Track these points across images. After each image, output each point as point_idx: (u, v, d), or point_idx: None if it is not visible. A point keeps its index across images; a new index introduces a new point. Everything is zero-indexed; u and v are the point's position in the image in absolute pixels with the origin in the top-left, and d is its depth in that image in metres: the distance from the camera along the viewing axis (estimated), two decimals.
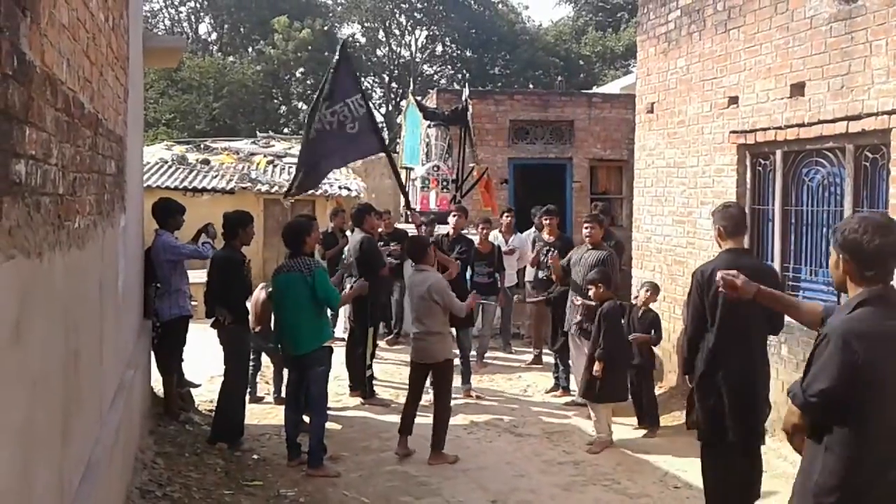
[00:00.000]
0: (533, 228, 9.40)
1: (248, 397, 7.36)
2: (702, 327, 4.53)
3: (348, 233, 8.70)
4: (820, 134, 6.05)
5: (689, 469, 5.94)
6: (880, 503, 2.78)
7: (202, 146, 20.59)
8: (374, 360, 8.14)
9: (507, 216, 10.08)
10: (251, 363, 7.44)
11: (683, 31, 7.90)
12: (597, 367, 6.39)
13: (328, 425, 6.23)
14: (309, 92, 38.57)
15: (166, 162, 17.85)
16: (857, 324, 2.77)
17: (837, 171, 6.07)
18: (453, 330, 8.69)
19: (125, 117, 4.97)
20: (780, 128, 6.45)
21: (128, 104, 5.12)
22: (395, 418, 6.68)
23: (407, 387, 6.44)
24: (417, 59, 40.87)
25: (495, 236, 9.67)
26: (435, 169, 12.17)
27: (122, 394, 4.63)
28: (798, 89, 6.24)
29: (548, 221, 8.50)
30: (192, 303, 8.20)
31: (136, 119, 6.01)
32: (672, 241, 7.95)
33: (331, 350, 6.08)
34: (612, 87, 18.63)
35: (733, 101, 7.07)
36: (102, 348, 3.96)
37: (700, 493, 5.48)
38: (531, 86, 33.43)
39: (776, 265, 6.64)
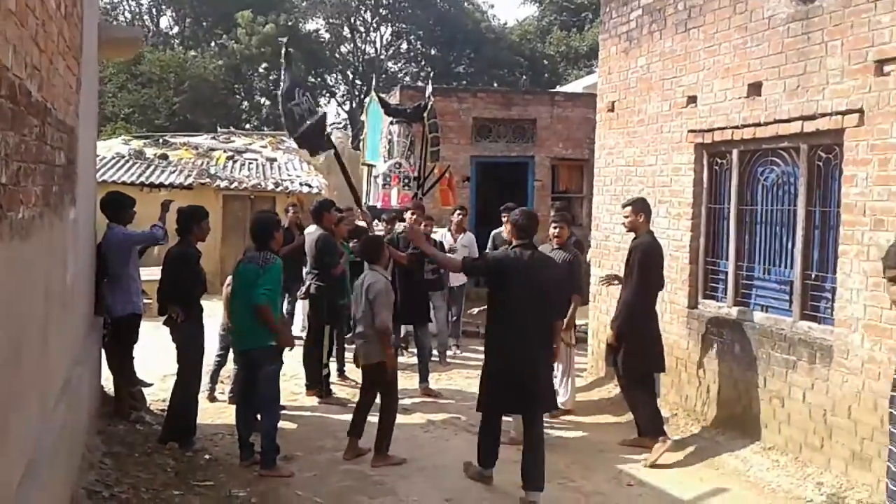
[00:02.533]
0: (503, 227, 9.34)
1: (208, 394, 7.26)
2: None
3: (309, 228, 8.59)
4: (775, 133, 6.11)
5: (642, 467, 5.98)
6: (501, 349, 5.39)
7: (161, 141, 20.25)
8: (332, 359, 8.07)
9: (459, 214, 10.02)
10: (217, 359, 7.35)
11: (644, 31, 7.94)
12: None
13: (283, 424, 6.16)
14: (272, 88, 38.25)
15: (123, 156, 17.50)
16: (501, 254, 5.71)
17: (792, 171, 6.14)
18: (411, 327, 8.71)
19: (77, 108, 4.83)
20: (736, 127, 6.50)
21: (80, 95, 4.98)
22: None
23: None
24: (382, 56, 40.72)
25: (443, 234, 9.65)
26: (397, 166, 12.09)
27: (68, 391, 4.51)
28: (755, 89, 6.30)
29: (506, 219, 8.49)
30: (146, 300, 8.06)
31: (89, 111, 5.86)
32: (630, 240, 7.98)
33: (280, 348, 5.94)
34: (576, 87, 18.74)
35: (692, 100, 7.12)
36: (47, 344, 3.84)
37: (653, 490, 5.55)
38: (496, 84, 33.50)
39: (730, 263, 6.71)
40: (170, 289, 6.16)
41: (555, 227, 7.25)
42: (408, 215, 8.40)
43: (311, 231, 8.19)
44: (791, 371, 5.84)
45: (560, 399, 7.33)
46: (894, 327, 4.94)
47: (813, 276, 5.91)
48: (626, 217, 6.59)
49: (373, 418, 6.10)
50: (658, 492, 5.52)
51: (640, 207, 6.58)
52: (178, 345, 6.17)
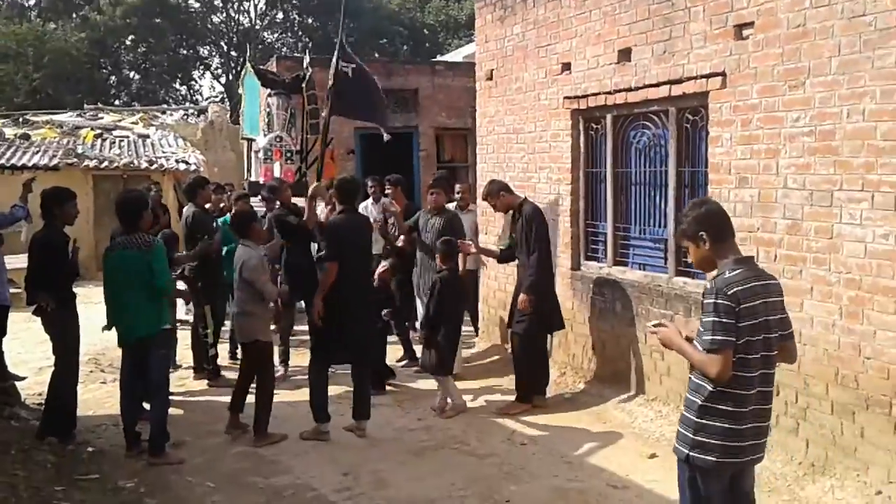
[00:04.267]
0: (370, 200, 9.22)
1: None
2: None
3: (186, 208, 8.28)
4: (645, 98, 6.31)
5: (535, 426, 6.17)
6: (334, 307, 5.84)
7: (21, 119, 19.02)
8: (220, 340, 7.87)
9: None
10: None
11: None
12: (417, 334, 6.59)
13: (171, 410, 5.99)
14: (140, 61, 36.54)
15: None
16: (333, 221, 6.26)
17: (662, 133, 6.38)
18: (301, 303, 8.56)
19: None
20: (609, 93, 6.68)
21: None
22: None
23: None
24: (257, 27, 39.52)
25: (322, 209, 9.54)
26: (277, 140, 11.81)
27: None
28: (625, 55, 6.48)
29: (390, 190, 8.50)
30: (14, 289, 7.60)
31: None
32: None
33: (169, 333, 5.78)
34: (456, 56, 18.79)
35: (566, 67, 7.26)
36: None
37: (544, 448, 5.72)
38: (376, 55, 33.14)
39: (609, 225, 6.93)
40: (37, 277, 5.82)
41: (431, 194, 7.52)
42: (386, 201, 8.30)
43: (186, 209, 7.95)
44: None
45: None
46: None
47: None
48: (494, 205, 6.90)
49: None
50: (550, 448, 5.70)
51: (496, 188, 6.83)
52: (52, 335, 5.85)
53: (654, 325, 3.38)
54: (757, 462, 3.27)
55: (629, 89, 6.46)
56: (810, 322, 4.91)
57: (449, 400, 6.58)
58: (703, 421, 3.14)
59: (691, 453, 3.17)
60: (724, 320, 3.03)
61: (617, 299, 6.69)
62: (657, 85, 6.16)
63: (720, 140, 5.61)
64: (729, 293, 3.05)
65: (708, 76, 5.67)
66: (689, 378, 3.24)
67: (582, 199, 7.29)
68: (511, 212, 6.85)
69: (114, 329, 5.70)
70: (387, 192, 8.65)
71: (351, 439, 5.91)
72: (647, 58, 6.24)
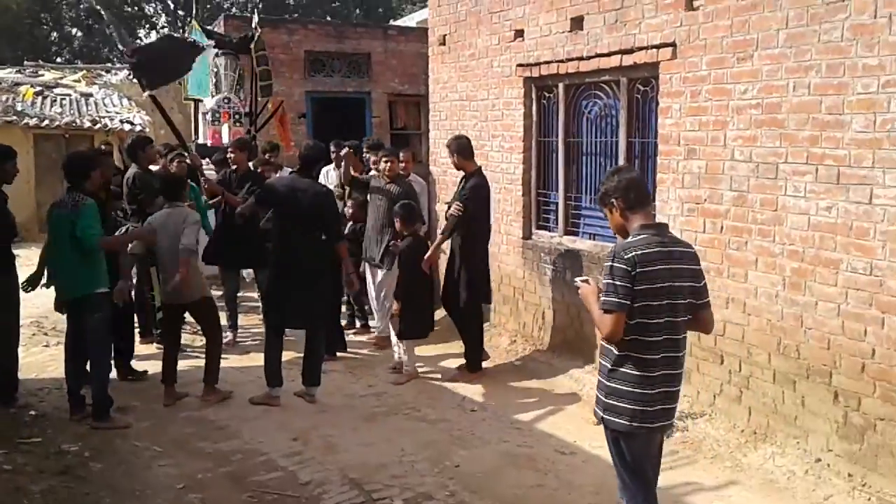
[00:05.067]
0: (332, 165, 9.12)
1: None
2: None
3: (129, 169, 8.06)
4: (597, 67, 6.33)
5: (485, 393, 6.24)
6: (279, 271, 5.96)
7: None
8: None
9: (270, 155, 9.45)
10: None
11: None
12: (395, 305, 6.49)
13: (116, 375, 5.89)
14: (83, 17, 35.31)
15: None
16: (273, 182, 6.81)
17: (613, 103, 6.42)
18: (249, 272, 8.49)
19: None
20: (561, 61, 6.68)
21: None
22: (191, 363, 6.42)
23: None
24: None
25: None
26: (225, 101, 11.55)
27: None
28: (577, 23, 6.47)
29: (334, 154, 8.42)
30: None
31: None
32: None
33: (109, 295, 5.65)
34: (410, 21, 18.58)
35: (519, 34, 7.23)
36: None
37: (494, 414, 5.80)
38: (328, 17, 32.56)
39: (560, 195, 6.98)
40: None
41: (386, 162, 7.17)
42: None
43: (129, 171, 7.74)
44: None
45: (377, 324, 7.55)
46: (707, 249, 5.33)
47: None
48: (452, 162, 6.88)
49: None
50: (499, 414, 5.77)
51: (455, 148, 6.73)
52: None
53: (581, 280, 3.39)
54: (666, 429, 3.30)
55: (581, 58, 6.47)
56: (754, 293, 5.05)
57: (405, 365, 6.60)
58: (612, 384, 3.17)
59: (605, 416, 3.22)
60: (617, 283, 3.05)
61: (567, 268, 6.76)
62: (609, 54, 6.18)
63: (670, 111, 5.68)
64: (625, 257, 3.07)
65: (659, 46, 5.71)
66: (601, 343, 3.27)
67: (534, 168, 7.31)
68: (463, 174, 6.81)
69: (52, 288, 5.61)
70: (341, 154, 8.55)
71: (301, 405, 5.91)
72: (599, 27, 6.25)
